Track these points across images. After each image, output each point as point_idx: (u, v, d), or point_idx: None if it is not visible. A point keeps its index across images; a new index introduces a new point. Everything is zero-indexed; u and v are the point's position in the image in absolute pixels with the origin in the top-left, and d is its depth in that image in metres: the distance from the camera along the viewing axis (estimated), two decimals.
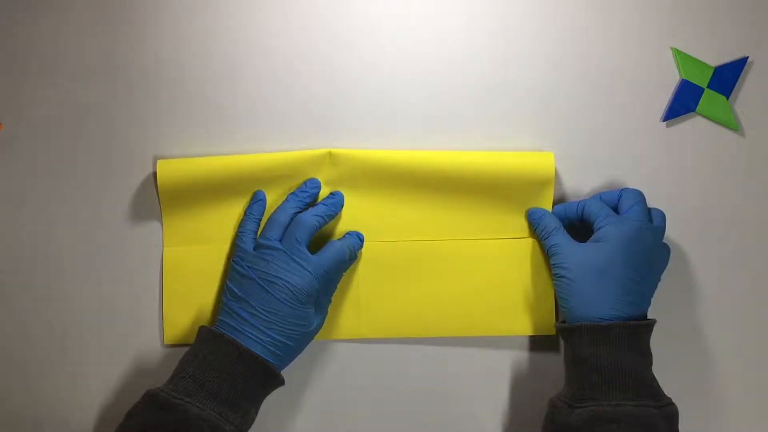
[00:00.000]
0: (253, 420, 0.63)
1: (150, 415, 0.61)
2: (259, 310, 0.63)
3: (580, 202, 0.69)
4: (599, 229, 0.66)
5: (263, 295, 0.64)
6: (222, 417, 0.60)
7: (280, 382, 0.64)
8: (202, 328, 0.64)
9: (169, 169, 0.68)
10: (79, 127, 0.70)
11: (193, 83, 0.70)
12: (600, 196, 0.68)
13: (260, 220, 0.69)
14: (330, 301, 0.68)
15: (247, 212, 0.69)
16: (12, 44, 0.70)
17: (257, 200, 0.69)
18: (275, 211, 0.68)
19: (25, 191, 0.70)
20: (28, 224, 0.70)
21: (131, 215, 0.70)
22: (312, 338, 0.66)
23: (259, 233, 0.68)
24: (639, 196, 0.67)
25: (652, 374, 0.63)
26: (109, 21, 0.70)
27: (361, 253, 0.70)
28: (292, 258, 0.64)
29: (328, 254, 0.66)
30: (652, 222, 0.67)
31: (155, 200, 0.70)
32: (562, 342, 0.67)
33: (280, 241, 0.66)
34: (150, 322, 0.70)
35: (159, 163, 0.69)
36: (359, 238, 0.69)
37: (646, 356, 0.64)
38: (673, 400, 0.62)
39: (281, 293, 0.63)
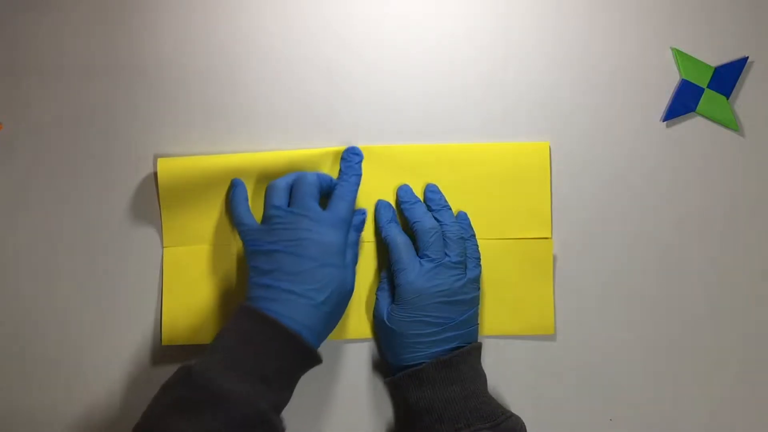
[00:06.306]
0: (288, 399, 0.61)
1: (184, 388, 0.58)
2: (291, 273, 0.61)
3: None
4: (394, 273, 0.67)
5: (291, 259, 0.61)
6: (257, 393, 0.58)
7: (317, 360, 0.62)
8: (241, 304, 0.62)
9: (170, 167, 0.68)
10: (79, 127, 0.70)
11: (193, 83, 0.70)
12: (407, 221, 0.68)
13: (247, 200, 0.67)
14: (356, 261, 0.67)
15: (233, 199, 0.67)
16: (13, 44, 0.70)
17: (236, 186, 0.68)
18: (273, 181, 0.66)
19: (25, 191, 0.70)
20: (28, 224, 0.70)
21: (131, 215, 0.70)
22: (348, 301, 0.64)
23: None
24: (426, 234, 0.67)
25: (484, 396, 0.64)
26: (109, 21, 0.70)
27: (361, 252, 0.70)
28: (308, 217, 0.63)
29: (338, 204, 0.65)
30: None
31: (155, 200, 0.70)
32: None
33: (288, 206, 0.64)
34: (149, 322, 0.69)
35: (159, 161, 0.68)
36: (362, 215, 0.68)
37: (471, 382, 0.64)
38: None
39: (309, 251, 0.62)
